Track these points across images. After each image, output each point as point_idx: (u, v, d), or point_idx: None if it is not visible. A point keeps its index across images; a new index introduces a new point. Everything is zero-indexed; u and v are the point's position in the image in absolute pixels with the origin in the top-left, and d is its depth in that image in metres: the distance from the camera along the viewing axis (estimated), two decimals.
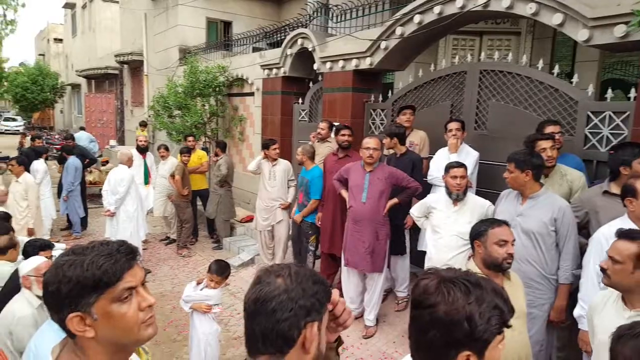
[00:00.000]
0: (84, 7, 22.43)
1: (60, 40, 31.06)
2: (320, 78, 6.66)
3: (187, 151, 6.89)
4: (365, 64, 5.43)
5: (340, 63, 5.73)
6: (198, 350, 3.36)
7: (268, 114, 7.44)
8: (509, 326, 1.00)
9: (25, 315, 2.72)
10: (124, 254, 1.07)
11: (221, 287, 3.49)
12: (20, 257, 4.40)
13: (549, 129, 3.40)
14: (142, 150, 7.65)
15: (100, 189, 9.88)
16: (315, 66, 6.22)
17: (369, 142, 4.03)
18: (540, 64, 4.11)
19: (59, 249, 4.40)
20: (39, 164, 7.08)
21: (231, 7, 11.32)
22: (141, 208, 6.39)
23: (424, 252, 3.77)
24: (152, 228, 7.51)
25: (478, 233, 2.30)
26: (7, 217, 4.50)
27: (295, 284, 0.97)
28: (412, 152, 4.51)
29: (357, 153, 4.65)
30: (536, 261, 2.89)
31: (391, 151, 4.55)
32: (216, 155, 6.96)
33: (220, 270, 3.42)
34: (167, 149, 7.22)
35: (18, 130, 26.95)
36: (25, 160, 6.36)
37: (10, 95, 27.45)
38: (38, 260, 2.92)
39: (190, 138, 7.37)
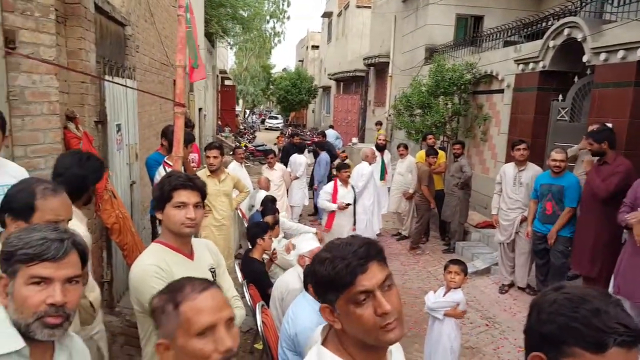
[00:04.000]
0: (339, 14, 25.54)
1: (317, 47, 36.18)
2: (588, 72, 5.90)
3: (435, 153, 7.11)
4: None
5: (620, 53, 4.96)
6: (444, 356, 3.43)
7: (518, 113, 7.01)
8: None
9: (296, 288, 3.39)
10: (360, 257, 1.10)
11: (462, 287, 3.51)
12: (281, 234, 5.48)
13: None
14: (381, 148, 8.28)
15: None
16: (584, 58, 5.55)
17: None
18: None
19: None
20: (300, 158, 8.46)
21: (484, 1, 11.06)
22: (377, 203, 6.95)
23: None
24: (384, 223, 8.07)
25: None
26: (273, 200, 5.66)
27: None
28: None
29: (619, 158, 4.12)
30: None
31: None
32: (455, 155, 6.98)
33: (463, 267, 3.45)
34: (406, 147, 7.63)
35: (278, 127, 32.75)
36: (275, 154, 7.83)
37: (275, 97, 33.55)
38: (314, 244, 3.57)
39: (430, 137, 7.57)
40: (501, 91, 7.84)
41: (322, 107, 31.12)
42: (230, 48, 29.83)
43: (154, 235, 4.71)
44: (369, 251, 1.11)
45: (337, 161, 7.94)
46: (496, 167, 7.42)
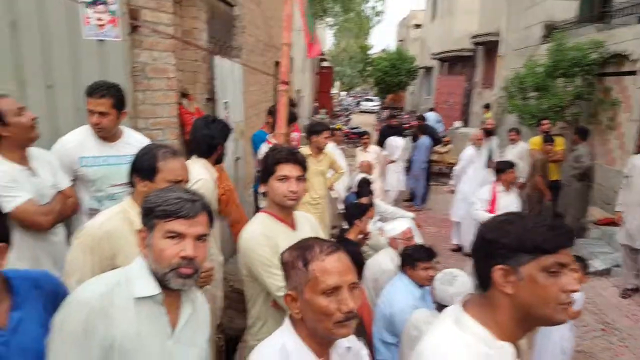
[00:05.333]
0: None
1: (419, 25, 35.06)
2: None
3: (551, 139, 6.63)
4: None
5: None
6: (554, 355, 3.28)
7: None
8: None
9: (388, 270, 3.44)
10: (564, 232, 1.12)
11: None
12: (377, 217, 5.50)
13: None
14: (489, 132, 7.87)
15: (440, 169, 10.95)
16: None
17: None
18: None
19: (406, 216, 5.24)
20: (397, 141, 8.33)
21: None
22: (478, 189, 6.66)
23: None
24: None
25: None
26: (368, 182, 5.70)
27: None
28: None
29: None
30: None
31: None
32: (574, 143, 6.42)
33: (583, 263, 3.22)
34: (518, 132, 7.18)
35: (373, 110, 32.50)
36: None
37: (372, 79, 33.27)
38: (405, 225, 3.57)
39: (545, 122, 7.04)
40: (633, 73, 7.03)
41: (422, 89, 30.27)
42: (330, 28, 30.10)
43: (256, 209, 4.99)
44: (571, 232, 1.14)
45: (441, 146, 7.65)
46: (623, 158, 6.72)
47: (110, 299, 1.29)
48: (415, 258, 2.92)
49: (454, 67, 21.06)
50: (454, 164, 10.13)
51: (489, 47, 14.86)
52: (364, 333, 3.01)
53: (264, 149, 4.36)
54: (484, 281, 1.18)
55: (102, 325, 1.26)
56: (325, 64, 28.18)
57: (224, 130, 2.86)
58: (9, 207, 1.94)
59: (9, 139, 2.07)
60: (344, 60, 33.44)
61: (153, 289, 1.34)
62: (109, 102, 2.41)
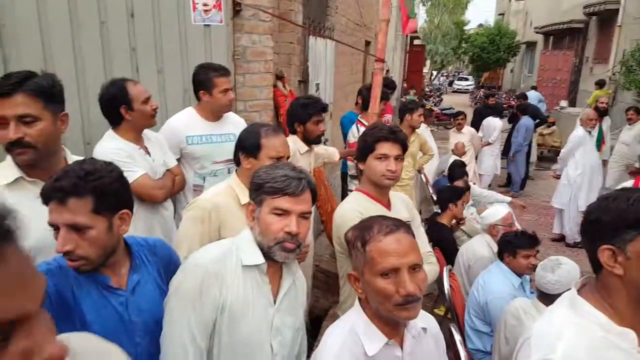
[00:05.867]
0: None
1: None
2: None
3: None
4: None
5: None
6: None
7: None
8: None
9: (484, 257, 3.33)
10: None
11: None
12: (471, 201, 5.31)
13: None
14: (602, 112, 7.19)
15: (542, 152, 10.24)
16: None
17: None
18: None
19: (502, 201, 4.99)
20: (495, 121, 7.89)
21: None
22: (588, 176, 6.14)
23: None
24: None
25: None
26: (462, 164, 5.50)
27: None
28: None
29: None
30: None
31: None
32: None
33: None
34: (638, 111, 6.50)
35: (467, 89, 31.03)
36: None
37: (467, 56, 31.68)
38: (505, 211, 3.42)
39: None
40: None
41: (523, 66, 28.31)
42: (423, 4, 29.09)
43: (344, 191, 5.06)
44: None
45: (544, 127, 7.12)
46: None
47: (223, 264, 1.41)
48: (516, 245, 2.80)
49: (560, 41, 19.39)
50: (557, 147, 9.45)
51: (605, 17, 13.48)
52: (456, 319, 2.98)
53: (355, 130, 4.39)
54: (595, 265, 1.13)
55: (216, 287, 1.37)
56: (416, 42, 27.36)
57: (316, 104, 2.96)
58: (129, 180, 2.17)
59: (130, 122, 2.29)
60: (437, 37, 32.14)
61: (258, 258, 1.43)
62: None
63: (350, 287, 2.07)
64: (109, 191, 1.32)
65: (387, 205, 2.08)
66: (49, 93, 1.61)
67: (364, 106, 4.28)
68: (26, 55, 2.37)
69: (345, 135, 4.91)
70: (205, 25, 2.98)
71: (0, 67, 2.29)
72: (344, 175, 5.25)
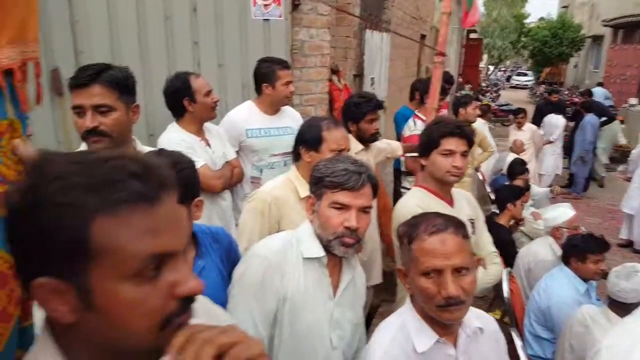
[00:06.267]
0: None
1: None
2: None
3: None
4: None
5: None
6: None
7: None
8: None
9: (546, 260, 3.20)
10: None
11: None
12: (530, 201, 5.11)
13: None
14: None
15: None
16: None
17: None
18: None
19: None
20: (557, 119, 7.57)
21: None
22: None
23: None
24: None
25: None
26: (523, 162, 5.30)
27: None
28: None
29: None
30: None
31: None
32: None
33: None
34: None
35: (526, 85, 29.82)
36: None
37: (527, 50, 30.42)
38: (569, 214, 3.27)
39: None
40: None
41: (588, 61, 26.86)
42: None
43: (396, 187, 5.00)
44: None
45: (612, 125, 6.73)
46: None
47: (285, 256, 1.44)
48: (585, 249, 2.67)
49: (631, 35, 18.22)
50: (626, 148, 8.90)
51: None
52: (515, 324, 2.88)
53: (411, 124, 4.31)
54: None
55: (278, 278, 1.40)
56: (473, 35, 26.56)
57: (370, 101, 2.90)
58: None
59: (192, 114, 2.37)
60: (495, 31, 31.09)
61: (318, 251, 1.44)
62: None
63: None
64: (191, 182, 1.40)
65: (450, 202, 2.04)
66: (124, 85, 1.69)
67: (422, 100, 4.20)
68: (96, 48, 2.49)
69: (398, 133, 4.84)
70: (264, 19, 3.02)
71: (72, 60, 2.42)
72: (397, 172, 5.19)
